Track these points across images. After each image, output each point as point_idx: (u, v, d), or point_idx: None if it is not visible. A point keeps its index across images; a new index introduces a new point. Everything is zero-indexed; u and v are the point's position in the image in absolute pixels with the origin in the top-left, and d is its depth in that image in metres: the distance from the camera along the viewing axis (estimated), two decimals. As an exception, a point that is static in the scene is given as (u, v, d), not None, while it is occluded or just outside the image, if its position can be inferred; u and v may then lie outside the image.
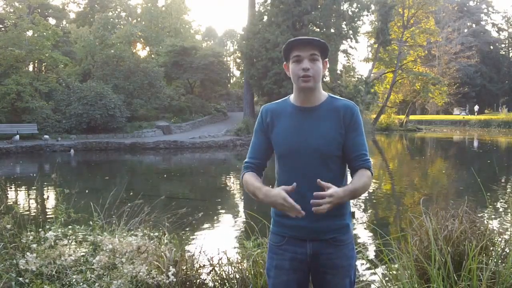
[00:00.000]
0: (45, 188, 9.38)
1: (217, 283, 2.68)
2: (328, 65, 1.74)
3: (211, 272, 2.73)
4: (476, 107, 43.50)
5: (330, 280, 1.70)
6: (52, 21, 32.51)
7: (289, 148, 1.68)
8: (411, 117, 37.48)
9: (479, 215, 3.15)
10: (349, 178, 1.75)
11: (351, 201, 1.76)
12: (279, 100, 1.81)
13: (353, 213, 1.73)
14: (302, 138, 1.67)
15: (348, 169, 1.76)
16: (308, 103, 1.70)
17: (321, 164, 1.64)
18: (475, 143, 22.83)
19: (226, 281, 2.67)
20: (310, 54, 1.63)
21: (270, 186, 1.83)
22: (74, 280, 2.39)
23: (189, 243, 4.96)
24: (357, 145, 1.68)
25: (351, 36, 24.24)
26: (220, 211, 7.38)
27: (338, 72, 26.60)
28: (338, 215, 1.70)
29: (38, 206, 7.75)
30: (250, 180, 1.70)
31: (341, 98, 1.75)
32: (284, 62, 1.73)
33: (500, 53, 54.55)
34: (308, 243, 1.68)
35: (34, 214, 6.75)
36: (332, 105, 1.70)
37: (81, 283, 2.36)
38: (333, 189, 1.50)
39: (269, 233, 1.83)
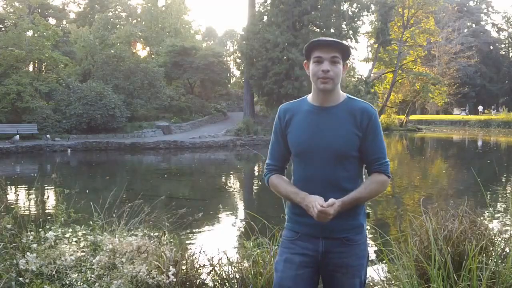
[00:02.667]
0: (45, 188, 9.38)
1: (217, 283, 2.68)
2: (347, 68, 1.75)
3: (211, 272, 2.72)
4: (481, 107, 43.49)
5: (339, 278, 1.70)
6: (52, 21, 32.55)
7: (305, 146, 1.69)
8: (411, 117, 37.46)
9: (479, 215, 3.15)
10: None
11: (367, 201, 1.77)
12: (296, 100, 1.82)
13: (368, 214, 1.72)
14: (318, 137, 1.67)
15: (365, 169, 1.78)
16: (326, 103, 1.70)
17: (337, 163, 1.65)
18: (475, 143, 22.83)
19: (226, 281, 2.67)
20: (332, 57, 1.63)
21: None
22: (74, 280, 2.39)
23: (189, 243, 4.96)
24: (374, 148, 1.69)
25: (351, 36, 24.25)
26: (220, 211, 7.38)
27: (338, 72, 26.57)
28: (352, 215, 1.70)
29: (38, 206, 7.75)
30: (281, 183, 1.76)
31: (359, 99, 1.75)
32: (305, 61, 1.73)
33: (500, 53, 54.54)
34: (321, 241, 1.69)
35: (34, 214, 6.75)
36: (349, 106, 1.70)
37: (81, 283, 2.36)
38: (331, 202, 1.59)
39: (283, 229, 1.85)
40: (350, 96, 1.75)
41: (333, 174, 1.66)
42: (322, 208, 1.57)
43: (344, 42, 1.68)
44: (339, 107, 1.70)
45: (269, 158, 1.83)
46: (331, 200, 1.59)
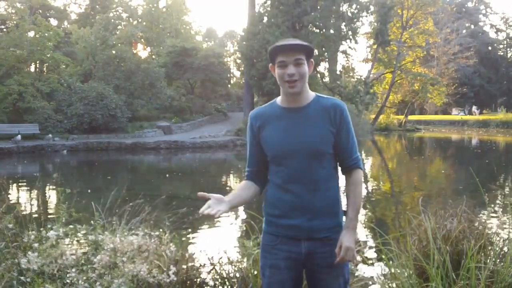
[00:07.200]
0: (46, 188, 9.40)
1: (218, 282, 2.70)
2: (313, 65, 1.75)
3: (212, 271, 2.74)
4: (476, 108, 43.60)
5: (324, 278, 1.71)
6: (53, 22, 32.57)
7: (281, 149, 1.69)
8: (410, 117, 37.48)
9: (477, 214, 3.17)
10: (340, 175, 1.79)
11: (342, 199, 1.79)
12: (266, 104, 1.82)
13: (346, 211, 1.74)
14: (293, 138, 1.67)
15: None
16: (296, 104, 1.71)
17: (315, 163, 1.66)
18: (474, 143, 22.85)
19: (226, 280, 2.69)
20: (295, 59, 1.63)
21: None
22: (75, 279, 2.40)
23: (190, 242, 4.98)
24: (348, 144, 1.72)
25: (351, 37, 24.23)
26: (220, 211, 7.38)
27: (338, 72, 26.64)
28: (331, 214, 1.71)
29: (40, 205, 7.77)
30: (234, 189, 1.79)
31: (328, 96, 1.77)
32: (270, 64, 1.75)
33: (498, 53, 54.64)
34: (303, 243, 1.69)
35: (35, 213, 6.77)
36: (320, 104, 1.71)
37: (83, 282, 2.38)
38: (344, 244, 1.63)
39: (262, 232, 1.82)
40: (319, 94, 1.76)
41: (312, 174, 1.66)
42: (341, 257, 1.63)
43: (305, 43, 1.65)
44: (310, 106, 1.70)
45: (247, 165, 1.85)
46: (340, 245, 1.64)
